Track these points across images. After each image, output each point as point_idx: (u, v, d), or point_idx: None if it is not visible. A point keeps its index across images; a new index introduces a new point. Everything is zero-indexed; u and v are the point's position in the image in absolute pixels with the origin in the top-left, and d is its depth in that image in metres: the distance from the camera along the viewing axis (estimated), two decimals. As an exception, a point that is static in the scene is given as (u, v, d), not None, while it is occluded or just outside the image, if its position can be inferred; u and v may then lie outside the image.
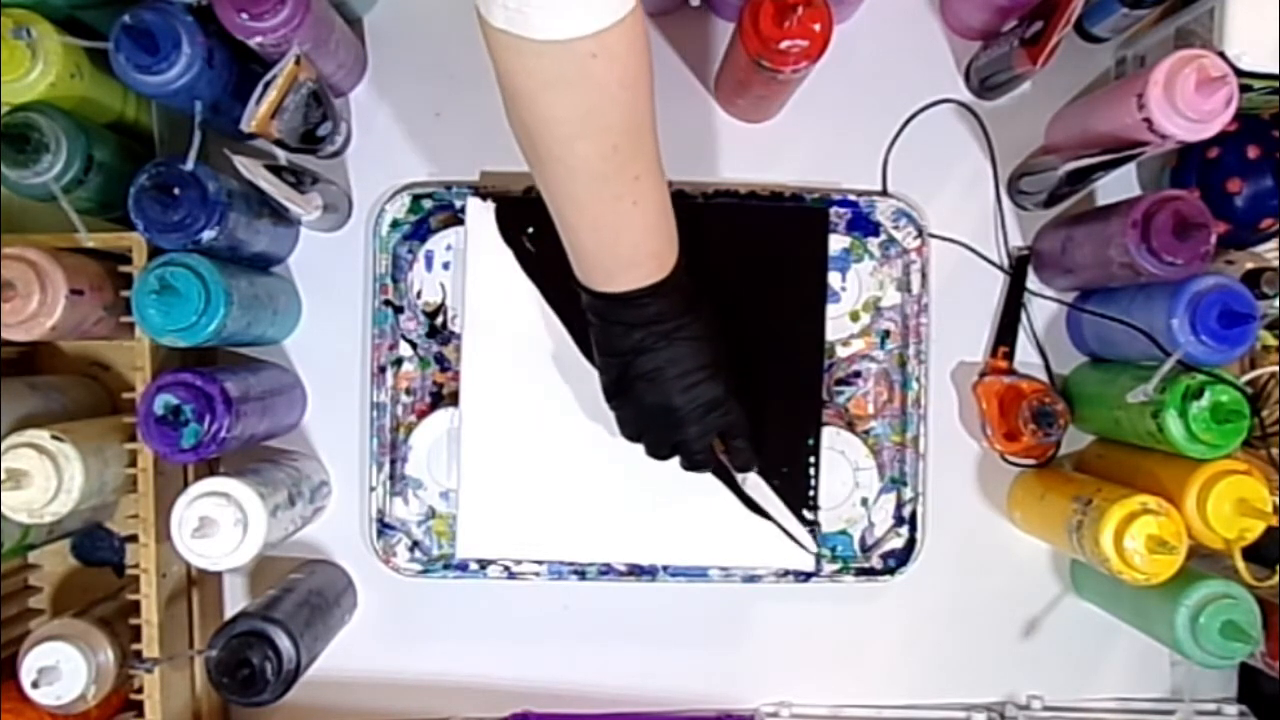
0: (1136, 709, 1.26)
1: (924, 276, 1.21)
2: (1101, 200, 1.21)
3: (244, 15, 0.99)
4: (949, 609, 1.25)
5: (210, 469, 1.19)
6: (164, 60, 0.98)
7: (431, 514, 1.21)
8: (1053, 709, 1.25)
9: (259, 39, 1.00)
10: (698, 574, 1.20)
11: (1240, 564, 1.04)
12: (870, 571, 1.22)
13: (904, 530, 1.22)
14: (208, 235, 1.02)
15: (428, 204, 1.20)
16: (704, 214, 1.18)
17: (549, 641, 1.25)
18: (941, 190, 1.22)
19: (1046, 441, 1.17)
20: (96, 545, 1.22)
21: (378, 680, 1.24)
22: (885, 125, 1.22)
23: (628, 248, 0.96)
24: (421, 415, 1.20)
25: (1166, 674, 1.26)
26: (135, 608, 1.10)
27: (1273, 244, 1.17)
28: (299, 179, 1.11)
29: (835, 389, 1.22)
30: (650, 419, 1.06)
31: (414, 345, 1.21)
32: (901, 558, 1.22)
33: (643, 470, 1.14)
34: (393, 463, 1.20)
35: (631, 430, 1.08)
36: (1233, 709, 1.24)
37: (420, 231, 1.20)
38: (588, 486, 1.17)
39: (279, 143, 1.08)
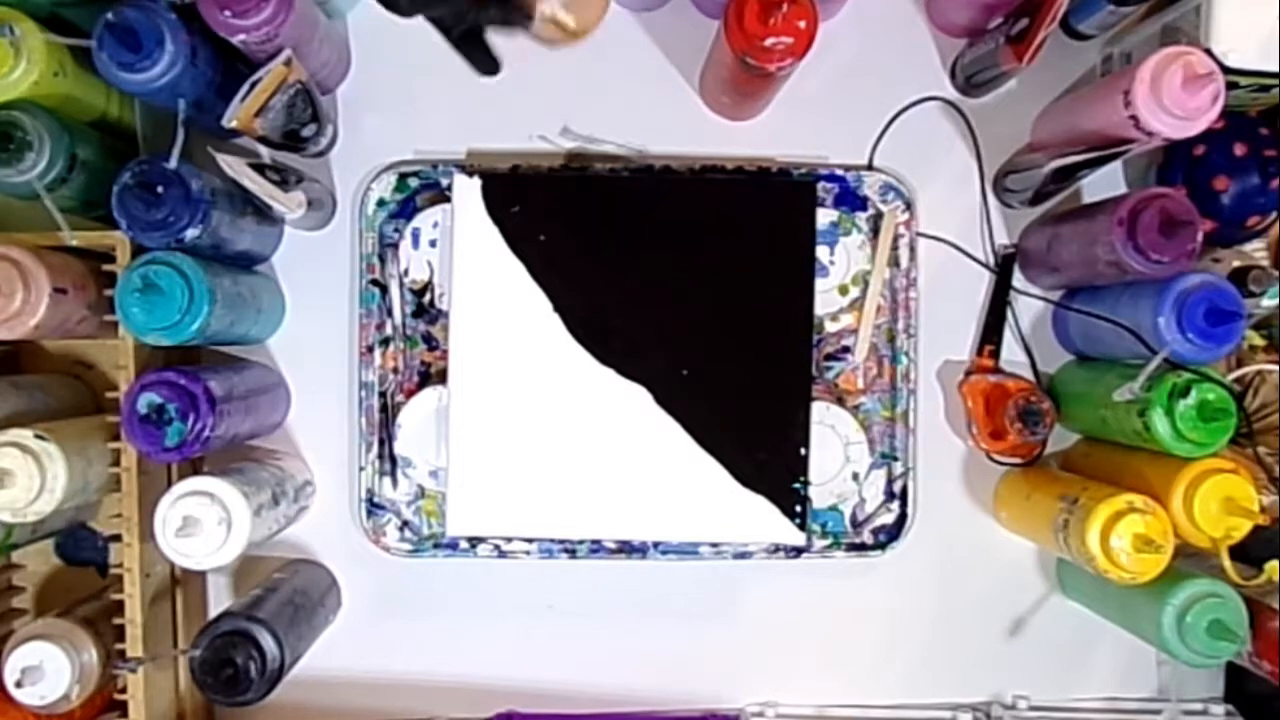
0: (1123, 709, 1.26)
1: (912, 251, 1.21)
2: (1088, 198, 1.21)
3: (227, 13, 0.99)
4: (937, 592, 1.25)
5: (194, 468, 1.19)
6: (147, 58, 0.98)
7: (421, 493, 1.21)
8: (1039, 709, 1.25)
9: (242, 37, 1.00)
10: (688, 551, 1.20)
11: (1227, 563, 1.04)
12: (861, 547, 1.22)
13: (895, 505, 1.22)
14: (191, 233, 1.02)
15: (414, 182, 1.20)
16: (691, 189, 1.18)
17: (538, 626, 1.25)
18: (927, 188, 1.22)
19: (1032, 440, 1.17)
20: (80, 545, 1.22)
21: (363, 680, 1.24)
22: (870, 123, 1.22)
23: None
24: (410, 394, 1.20)
25: (1153, 673, 1.26)
26: (119, 607, 1.10)
27: (1259, 242, 1.17)
28: (283, 177, 1.11)
29: (824, 364, 1.22)
30: None
31: (401, 324, 1.21)
32: (892, 533, 1.22)
33: (633, 447, 1.15)
34: (381, 442, 1.20)
35: None
36: (1219, 709, 1.24)
37: (407, 210, 1.20)
38: (577, 463, 1.16)
39: (263, 140, 1.08)
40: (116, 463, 1.09)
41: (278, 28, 1.00)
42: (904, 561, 1.23)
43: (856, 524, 1.22)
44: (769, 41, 1.00)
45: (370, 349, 1.20)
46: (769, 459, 1.17)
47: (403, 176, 1.20)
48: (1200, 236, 1.04)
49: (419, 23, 1.21)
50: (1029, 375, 1.23)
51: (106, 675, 1.10)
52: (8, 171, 0.99)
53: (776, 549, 1.20)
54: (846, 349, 1.22)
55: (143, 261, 1.02)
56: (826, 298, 1.21)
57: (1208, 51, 1.03)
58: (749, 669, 1.26)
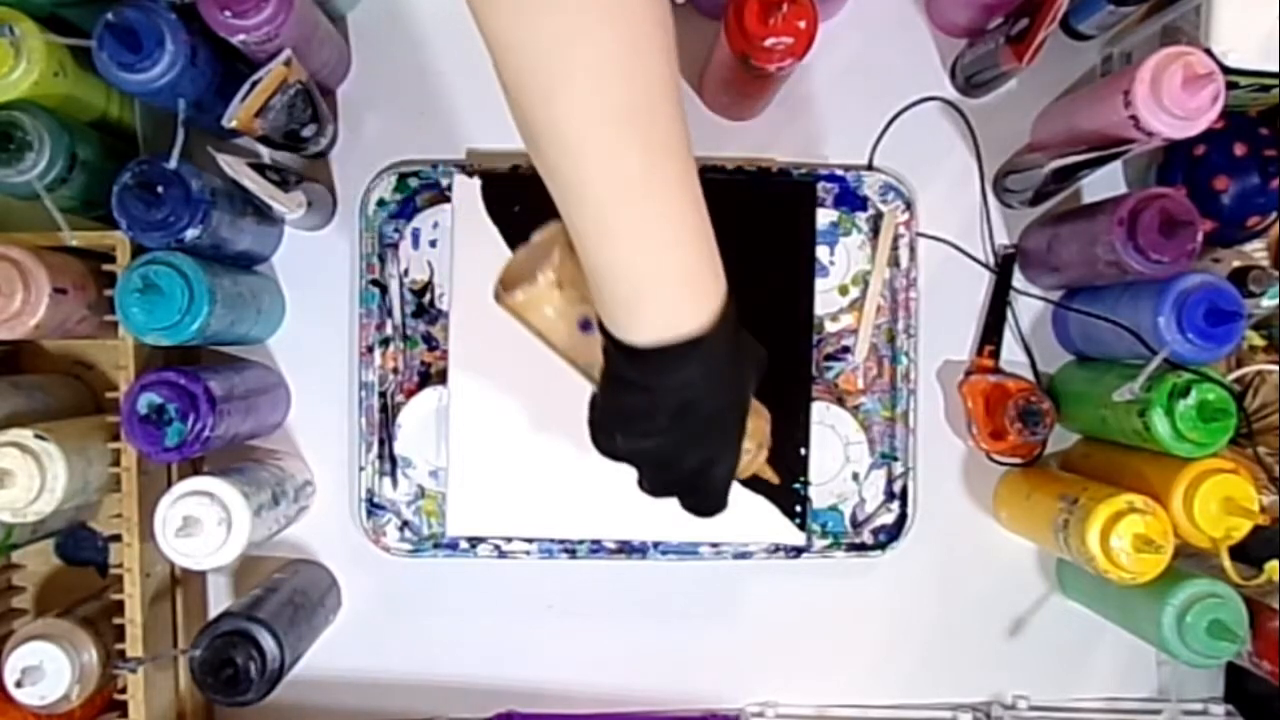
0: (1123, 709, 1.26)
1: (912, 251, 1.21)
2: (1088, 198, 1.21)
3: (227, 13, 0.99)
4: (937, 592, 1.25)
5: (194, 468, 1.19)
6: (147, 58, 0.98)
7: (421, 493, 1.21)
8: (1039, 709, 1.25)
9: (242, 36, 1.00)
10: (688, 551, 1.20)
11: (1227, 563, 1.04)
12: (861, 547, 1.22)
13: (895, 505, 1.22)
14: (191, 234, 1.02)
15: (414, 182, 1.20)
16: None
17: (538, 626, 1.25)
18: (927, 188, 1.22)
19: (1032, 440, 1.17)
20: (80, 545, 1.22)
21: (362, 680, 1.24)
22: (870, 123, 1.22)
23: (645, 270, 0.75)
24: (410, 394, 1.21)
25: (1153, 674, 1.26)
26: (119, 607, 1.10)
27: (1259, 242, 1.17)
28: (283, 177, 1.11)
29: (824, 364, 1.22)
30: (675, 483, 0.89)
31: (401, 324, 1.21)
32: (892, 533, 1.22)
33: None
34: (381, 442, 1.20)
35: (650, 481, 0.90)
36: (1219, 709, 1.24)
37: (407, 210, 1.20)
38: (578, 463, 1.16)
39: (263, 140, 1.08)
40: (116, 463, 1.09)
41: (278, 28, 1.00)
42: (904, 561, 1.23)
43: (856, 524, 1.22)
44: (769, 41, 1.00)
45: (370, 349, 1.19)
46: (769, 459, 1.17)
47: (403, 176, 1.19)
48: (1200, 236, 1.04)
49: (419, 23, 1.21)
50: (1029, 375, 1.23)
51: (106, 675, 1.10)
52: (8, 171, 0.99)
53: (776, 549, 1.20)
54: (846, 349, 1.22)
55: (143, 261, 1.02)
56: (826, 298, 1.21)
57: (1208, 51, 1.03)
58: (749, 669, 1.26)
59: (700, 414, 0.80)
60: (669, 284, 0.76)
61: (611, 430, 0.84)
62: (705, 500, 0.90)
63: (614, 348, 0.78)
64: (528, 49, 0.69)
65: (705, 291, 0.77)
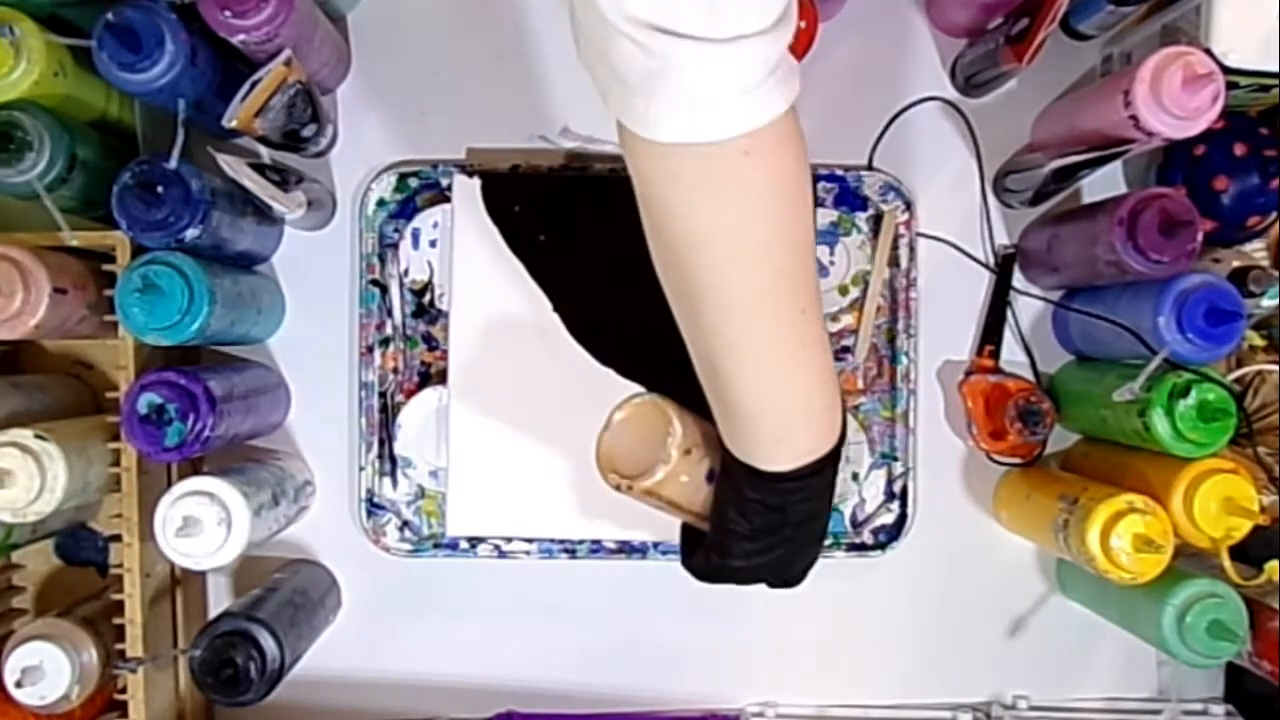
0: (1123, 709, 1.25)
1: (912, 251, 1.21)
2: (1087, 198, 1.21)
3: (227, 13, 0.99)
4: (937, 592, 1.25)
5: (194, 468, 1.18)
6: (147, 58, 0.98)
7: (421, 493, 1.21)
8: (1039, 709, 1.25)
9: (242, 37, 1.00)
10: None
11: (1227, 563, 1.04)
12: (861, 547, 1.22)
13: (895, 505, 1.22)
14: (191, 233, 1.02)
15: (414, 183, 1.20)
16: None
17: (538, 626, 1.25)
18: (927, 188, 1.22)
19: (1032, 440, 1.17)
20: (80, 545, 1.22)
21: (362, 680, 1.24)
22: (870, 123, 1.22)
23: (796, 406, 0.84)
24: (410, 394, 1.21)
25: (1153, 674, 1.26)
26: (119, 607, 1.10)
27: (1259, 242, 1.17)
28: (283, 177, 1.11)
29: (824, 364, 1.22)
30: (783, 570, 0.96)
31: (401, 324, 1.21)
32: (892, 533, 1.22)
33: None
34: (381, 442, 1.20)
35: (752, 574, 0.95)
36: (1219, 709, 1.23)
37: (407, 210, 1.21)
38: (578, 463, 1.16)
39: (263, 140, 1.08)
40: (116, 463, 1.09)
41: (278, 28, 1.00)
42: (904, 561, 1.23)
43: (856, 524, 1.22)
44: (769, 41, 1.00)
45: (370, 349, 1.20)
46: None
47: (403, 176, 1.20)
48: (1200, 236, 1.04)
49: (419, 23, 1.21)
50: (1029, 375, 1.23)
51: (106, 675, 1.10)
52: (8, 171, 0.99)
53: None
54: (846, 349, 1.22)
55: (143, 261, 1.02)
56: (826, 298, 1.21)
57: (1208, 51, 1.03)
58: (749, 669, 1.26)
59: (819, 519, 0.91)
60: (811, 420, 0.85)
61: (739, 553, 0.91)
62: (797, 582, 0.99)
63: (751, 477, 0.85)
64: (704, 232, 0.76)
65: (835, 418, 0.87)
